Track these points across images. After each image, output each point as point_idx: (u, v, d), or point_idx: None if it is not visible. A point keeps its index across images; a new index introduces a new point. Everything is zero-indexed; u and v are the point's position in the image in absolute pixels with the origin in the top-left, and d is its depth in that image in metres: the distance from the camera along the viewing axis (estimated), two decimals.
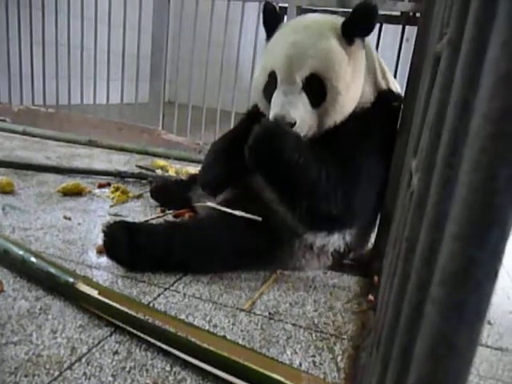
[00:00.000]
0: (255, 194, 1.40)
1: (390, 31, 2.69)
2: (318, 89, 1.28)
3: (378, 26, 2.42)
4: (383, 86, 1.40)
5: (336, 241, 1.38)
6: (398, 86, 1.48)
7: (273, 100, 1.32)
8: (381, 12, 1.68)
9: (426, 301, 0.28)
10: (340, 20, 1.34)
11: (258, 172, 1.29)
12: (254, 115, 1.64)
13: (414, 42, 1.29)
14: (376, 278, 1.34)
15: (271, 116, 1.28)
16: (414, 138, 0.77)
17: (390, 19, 2.48)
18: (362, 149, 1.30)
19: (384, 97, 1.38)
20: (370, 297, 1.26)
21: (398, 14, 2.45)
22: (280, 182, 1.26)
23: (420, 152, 0.57)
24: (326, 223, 1.32)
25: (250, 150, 1.20)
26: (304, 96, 1.28)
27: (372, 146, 1.32)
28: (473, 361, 0.24)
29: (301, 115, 1.27)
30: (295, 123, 1.26)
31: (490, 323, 1.24)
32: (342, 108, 1.31)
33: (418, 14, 2.29)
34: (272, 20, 1.45)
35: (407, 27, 2.44)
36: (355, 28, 1.30)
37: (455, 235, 0.24)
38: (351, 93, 1.30)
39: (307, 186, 1.23)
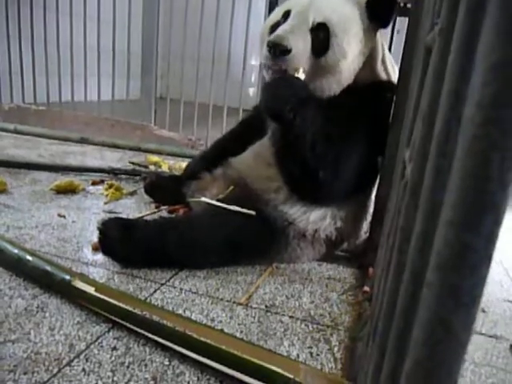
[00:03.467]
0: (248, 187, 1.42)
1: None
2: (323, 39, 1.28)
3: None
4: (382, 76, 1.41)
5: (327, 226, 1.40)
6: None
7: (277, 29, 1.30)
8: None
9: (421, 287, 0.28)
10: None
11: (270, 116, 1.32)
12: (248, 124, 1.69)
13: (405, 34, 1.29)
14: (371, 270, 1.35)
15: (269, 38, 1.26)
16: (407, 129, 0.77)
17: None
18: (354, 127, 1.32)
19: (379, 86, 1.39)
20: (366, 288, 1.27)
21: None
22: (285, 131, 1.29)
23: (413, 142, 0.57)
24: (310, 185, 1.33)
25: (265, 98, 1.27)
26: (308, 37, 1.28)
27: (363, 129, 1.33)
28: (468, 344, 0.25)
29: (298, 48, 1.26)
30: (290, 50, 1.24)
31: (484, 311, 1.25)
32: (339, 73, 1.31)
33: (408, 5, 2.28)
34: None
35: (398, 19, 2.44)
36: (376, 10, 1.32)
37: (450, 221, 0.24)
38: (351, 63, 1.32)
39: (307, 138, 1.26)
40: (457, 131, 0.28)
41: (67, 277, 1.06)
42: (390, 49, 2.56)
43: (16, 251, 1.15)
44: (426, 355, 0.25)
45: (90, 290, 1.02)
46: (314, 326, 1.08)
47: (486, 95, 0.21)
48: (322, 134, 1.27)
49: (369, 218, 1.46)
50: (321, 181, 1.29)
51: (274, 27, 1.36)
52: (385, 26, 1.37)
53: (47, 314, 0.99)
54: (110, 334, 0.95)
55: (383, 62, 1.42)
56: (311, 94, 1.30)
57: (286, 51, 1.24)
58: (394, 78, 1.40)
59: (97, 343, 0.91)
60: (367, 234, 1.48)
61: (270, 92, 1.27)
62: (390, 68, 1.43)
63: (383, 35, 1.48)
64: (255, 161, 1.50)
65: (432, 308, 0.25)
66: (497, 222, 0.23)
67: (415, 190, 0.44)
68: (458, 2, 0.33)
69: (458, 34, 0.30)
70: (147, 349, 0.91)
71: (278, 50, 1.24)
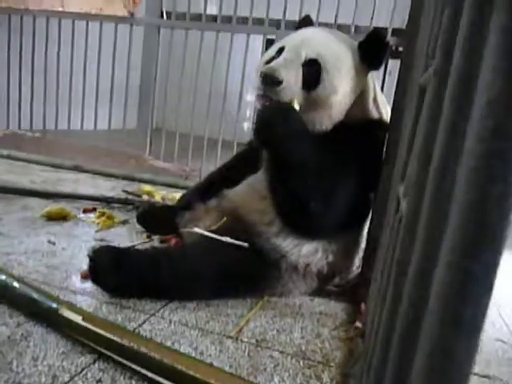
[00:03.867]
0: (241, 219, 1.42)
1: None
2: (314, 74, 1.32)
3: None
4: (374, 114, 1.44)
5: (319, 260, 1.39)
6: None
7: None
8: None
9: (419, 319, 0.29)
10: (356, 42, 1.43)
11: (262, 144, 1.34)
12: (242, 158, 1.72)
13: (397, 75, 1.34)
14: (363, 305, 1.34)
15: (262, 69, 1.30)
16: (401, 165, 0.79)
17: None
18: (345, 162, 1.34)
19: (371, 124, 1.42)
20: (357, 324, 1.26)
21: None
22: (278, 161, 1.31)
23: (408, 178, 0.58)
24: (301, 217, 1.33)
25: (258, 125, 1.28)
26: (300, 71, 1.32)
27: (354, 164, 1.35)
28: (470, 374, 0.25)
29: (289, 80, 1.29)
30: (281, 82, 1.27)
31: None
32: (330, 107, 1.34)
33: (400, 48, 2.38)
34: (304, 24, 1.57)
35: (390, 61, 2.53)
36: (368, 52, 1.37)
37: (451, 251, 0.25)
38: (342, 99, 1.35)
39: (299, 170, 1.28)
40: (454, 166, 0.29)
41: (54, 305, 1.04)
42: (382, 89, 2.64)
43: (3, 277, 1.13)
44: None
45: (77, 319, 1.00)
46: (305, 361, 1.06)
47: (486, 128, 0.22)
48: (313, 166, 1.29)
49: (361, 253, 1.47)
50: (311, 213, 1.29)
51: (268, 61, 1.40)
52: (376, 67, 1.43)
53: (31, 344, 0.96)
54: (96, 365, 0.92)
55: (375, 101, 1.46)
56: (304, 124, 1.33)
57: (278, 82, 1.28)
58: (386, 116, 1.43)
59: (81, 375, 0.88)
60: (359, 269, 1.47)
61: (263, 117, 1.29)
62: (382, 107, 1.47)
63: (375, 76, 1.53)
64: (249, 193, 1.51)
65: (434, 336, 0.25)
66: (497, 251, 0.23)
67: (411, 225, 0.44)
68: (454, 44, 0.35)
69: (455, 74, 0.32)
70: (133, 382, 0.89)
71: (269, 81, 1.28)
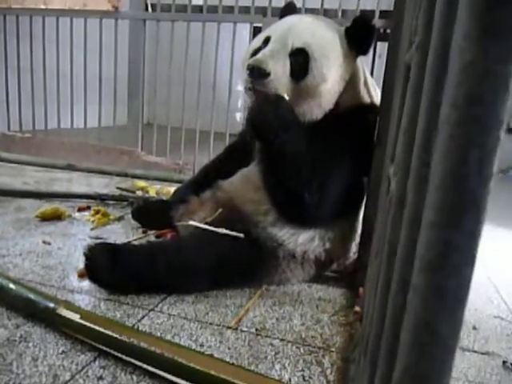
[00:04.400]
0: (237, 209, 1.42)
1: None
2: (302, 63, 1.30)
3: None
4: (365, 99, 1.43)
5: (316, 248, 1.40)
6: None
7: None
8: None
9: (408, 294, 0.28)
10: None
11: (256, 138, 1.34)
12: (234, 150, 1.72)
13: (385, 57, 1.33)
14: (361, 290, 1.34)
15: (249, 61, 1.28)
16: (391, 146, 0.79)
17: None
18: (338, 150, 1.34)
19: (362, 109, 1.41)
20: (356, 308, 1.26)
21: None
22: (271, 155, 1.31)
23: (397, 157, 0.58)
24: (297, 208, 1.33)
25: (251, 119, 1.28)
26: (287, 62, 1.30)
27: (347, 151, 1.34)
28: (456, 349, 0.24)
29: (277, 71, 1.28)
30: (269, 74, 1.26)
31: (475, 328, 1.25)
32: (319, 96, 1.33)
33: (388, 30, 2.36)
34: (288, 12, 1.53)
35: (379, 43, 2.51)
36: (355, 37, 1.36)
37: (432, 222, 0.24)
38: (331, 87, 1.33)
39: (292, 162, 1.28)
40: (435, 138, 0.28)
41: (51, 304, 1.03)
42: (372, 73, 2.63)
43: None
44: (414, 360, 0.25)
45: (75, 317, 1.00)
46: (306, 348, 1.06)
47: (459, 95, 0.22)
48: (306, 157, 1.29)
49: (357, 238, 1.47)
50: (307, 204, 1.30)
51: (254, 52, 1.39)
52: (365, 52, 1.41)
53: (30, 344, 0.96)
54: (96, 363, 0.92)
55: (365, 85, 1.45)
56: (296, 115, 1.32)
57: (265, 74, 1.26)
58: (377, 100, 1.43)
59: (82, 373, 0.88)
60: (356, 254, 1.47)
61: (255, 111, 1.28)
62: (373, 91, 1.46)
63: (364, 60, 1.51)
64: (244, 184, 1.50)
65: (418, 311, 0.25)
66: (478, 220, 0.23)
67: (400, 203, 0.44)
68: (432, 18, 0.34)
69: (434, 44, 0.31)
70: (134, 377, 0.89)
71: (257, 73, 1.26)
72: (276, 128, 1.25)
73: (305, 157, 1.29)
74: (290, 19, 1.43)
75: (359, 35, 1.35)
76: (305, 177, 1.29)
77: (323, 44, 1.32)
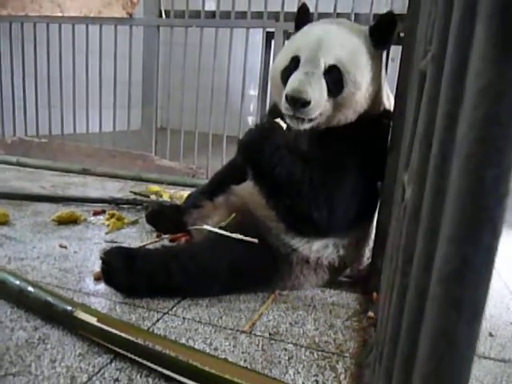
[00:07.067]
0: (251, 213, 1.43)
1: None
2: (337, 79, 1.30)
3: None
4: (386, 105, 1.44)
5: (330, 254, 1.40)
6: None
7: (291, 78, 1.31)
8: None
9: (425, 306, 0.29)
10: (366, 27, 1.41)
11: (247, 166, 1.39)
12: None
13: (399, 61, 1.33)
14: (375, 295, 1.34)
15: (287, 90, 1.28)
16: (405, 153, 0.79)
17: None
18: (352, 160, 1.34)
19: (380, 113, 1.41)
20: (370, 313, 1.26)
21: None
22: (265, 180, 1.35)
23: (411, 165, 0.58)
24: (307, 226, 1.35)
25: (240, 147, 1.35)
26: (323, 81, 1.30)
27: (358, 158, 1.34)
28: (473, 359, 0.25)
29: (316, 98, 1.27)
30: (309, 102, 1.26)
31: (491, 335, 1.24)
32: (355, 104, 1.34)
33: (402, 34, 2.34)
34: (304, 17, 1.51)
35: (392, 47, 2.49)
36: (380, 35, 1.36)
37: (449, 237, 0.25)
38: (366, 92, 1.34)
39: (289, 185, 1.30)
40: (452, 152, 0.29)
41: (69, 307, 1.05)
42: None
43: (17, 282, 1.15)
44: (431, 371, 0.25)
45: (92, 320, 1.01)
46: (319, 353, 1.06)
47: (477, 116, 0.22)
48: (303, 176, 1.30)
49: (371, 243, 1.46)
50: (316, 220, 1.31)
51: (284, 72, 1.37)
52: (386, 47, 1.42)
53: (48, 346, 0.98)
54: (113, 365, 0.94)
55: (386, 88, 1.45)
56: (288, 141, 1.35)
57: (306, 103, 1.26)
58: (390, 105, 1.42)
59: (99, 375, 0.90)
60: (370, 259, 1.47)
61: (246, 139, 1.35)
62: (385, 95, 1.46)
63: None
64: (256, 189, 1.50)
65: (435, 321, 0.25)
66: (495, 236, 0.23)
67: (415, 211, 0.44)
68: (448, 33, 0.35)
69: (449, 62, 0.32)
70: (150, 380, 0.90)
71: (298, 104, 1.26)
72: (263, 156, 1.29)
73: (301, 176, 1.30)
74: (315, 31, 1.37)
75: (382, 33, 1.35)
76: (307, 195, 1.30)
77: (353, 53, 1.32)
